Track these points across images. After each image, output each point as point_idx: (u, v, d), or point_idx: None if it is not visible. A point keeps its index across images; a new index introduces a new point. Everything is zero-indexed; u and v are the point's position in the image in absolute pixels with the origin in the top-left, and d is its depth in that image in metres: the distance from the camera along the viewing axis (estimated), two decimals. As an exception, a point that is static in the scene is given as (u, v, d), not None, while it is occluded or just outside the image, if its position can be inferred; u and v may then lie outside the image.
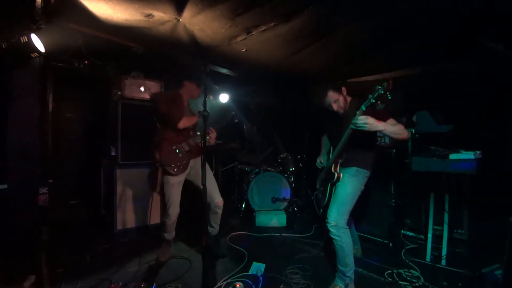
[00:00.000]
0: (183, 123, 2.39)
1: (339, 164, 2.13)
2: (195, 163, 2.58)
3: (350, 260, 2.04)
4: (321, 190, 2.33)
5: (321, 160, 2.42)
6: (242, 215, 3.95)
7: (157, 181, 2.43)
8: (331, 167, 2.14)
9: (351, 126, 1.87)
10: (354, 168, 2.10)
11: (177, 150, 2.46)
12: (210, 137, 2.53)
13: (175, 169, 2.42)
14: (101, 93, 3.56)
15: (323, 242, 2.75)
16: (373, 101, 1.72)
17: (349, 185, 2.07)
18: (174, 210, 2.45)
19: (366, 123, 1.80)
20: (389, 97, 1.67)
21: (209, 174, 2.59)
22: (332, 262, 2.31)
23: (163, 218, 2.51)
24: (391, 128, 1.90)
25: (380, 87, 1.67)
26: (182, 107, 2.52)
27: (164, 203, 2.50)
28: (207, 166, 2.60)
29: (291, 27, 2.42)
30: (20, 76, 2.12)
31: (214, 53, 3.12)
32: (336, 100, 2.13)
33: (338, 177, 2.11)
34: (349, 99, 2.18)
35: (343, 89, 2.17)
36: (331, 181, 2.16)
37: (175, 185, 2.45)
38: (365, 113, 1.82)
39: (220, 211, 2.66)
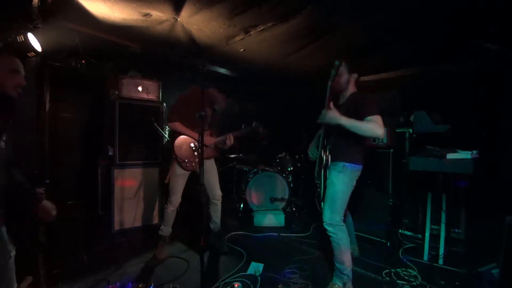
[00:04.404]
0: (174, 126, 2.52)
1: (328, 149, 2.15)
2: (205, 163, 2.60)
3: (347, 257, 2.04)
4: (319, 184, 2.32)
5: (312, 151, 2.47)
6: (240, 215, 3.95)
7: (170, 172, 2.58)
8: (321, 152, 2.16)
9: (321, 119, 1.99)
10: (341, 164, 2.06)
11: (194, 148, 2.59)
12: (228, 142, 2.60)
13: (187, 164, 2.54)
14: (99, 93, 3.54)
15: (318, 241, 2.76)
16: (334, 73, 1.95)
17: (337, 182, 2.05)
18: (177, 198, 2.58)
19: (325, 116, 1.93)
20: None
21: (214, 170, 2.76)
22: (330, 262, 2.31)
23: (165, 206, 2.61)
24: (355, 124, 1.87)
25: (337, 61, 1.92)
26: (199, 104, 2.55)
27: (168, 191, 2.61)
28: (213, 163, 2.78)
29: (289, 27, 2.42)
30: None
31: (212, 53, 3.12)
32: (341, 75, 2.08)
33: (327, 160, 2.12)
34: (352, 89, 2.15)
35: (354, 75, 2.13)
36: (321, 165, 2.17)
37: (181, 176, 2.58)
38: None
39: (219, 204, 2.77)
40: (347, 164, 2.05)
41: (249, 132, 2.71)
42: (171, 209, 2.58)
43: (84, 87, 3.68)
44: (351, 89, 2.15)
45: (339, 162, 2.08)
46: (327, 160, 2.12)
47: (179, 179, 2.57)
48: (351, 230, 2.60)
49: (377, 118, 1.89)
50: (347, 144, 2.05)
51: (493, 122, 2.79)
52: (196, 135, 2.52)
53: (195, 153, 2.57)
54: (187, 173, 2.61)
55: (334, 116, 1.89)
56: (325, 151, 2.14)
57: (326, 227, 2.05)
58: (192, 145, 2.58)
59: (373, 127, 1.85)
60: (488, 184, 2.64)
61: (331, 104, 1.97)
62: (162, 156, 3.43)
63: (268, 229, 3.48)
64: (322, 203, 2.32)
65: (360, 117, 1.90)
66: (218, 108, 2.71)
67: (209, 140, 2.62)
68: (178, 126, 2.52)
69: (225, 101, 2.71)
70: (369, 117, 1.89)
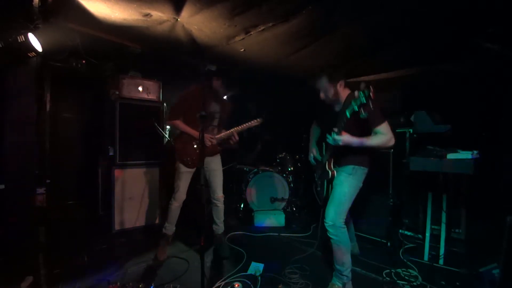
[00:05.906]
0: (175, 124, 2.57)
1: (332, 161, 2.14)
2: (210, 161, 2.70)
3: (347, 259, 2.05)
4: (319, 184, 2.36)
5: (314, 153, 2.44)
6: (240, 215, 3.95)
7: (175, 171, 2.61)
8: (325, 164, 2.15)
9: (329, 140, 1.94)
10: (351, 167, 2.07)
11: (195, 146, 2.57)
12: (233, 141, 2.61)
13: (189, 162, 2.56)
14: (99, 93, 3.55)
15: (318, 241, 2.77)
16: (356, 109, 1.75)
17: (346, 184, 2.05)
18: (181, 194, 2.59)
19: (340, 141, 1.88)
20: (371, 107, 1.71)
21: (219, 170, 2.78)
22: (330, 261, 2.31)
23: (169, 202, 2.62)
24: (369, 142, 1.90)
25: (362, 95, 1.69)
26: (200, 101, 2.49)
27: (173, 187, 2.62)
28: (219, 162, 2.81)
29: (289, 27, 2.42)
30: (17, 75, 2.11)
31: (213, 53, 3.12)
32: (325, 89, 2.06)
33: (333, 175, 2.13)
34: (345, 93, 2.07)
35: (340, 82, 2.05)
36: (326, 178, 2.18)
37: (185, 173, 2.59)
38: (350, 121, 1.84)
39: (220, 205, 2.77)
40: (356, 167, 2.07)
41: (253, 125, 2.66)
42: (176, 205, 2.58)
43: (84, 87, 3.68)
44: (344, 93, 2.08)
45: (348, 165, 2.09)
46: (332, 175, 2.13)
47: (183, 176, 2.58)
48: (350, 228, 2.59)
49: (385, 127, 1.89)
50: (356, 148, 2.01)
51: (493, 122, 2.79)
52: (197, 134, 2.45)
53: (198, 151, 2.55)
54: (191, 171, 2.61)
55: (347, 140, 1.88)
56: (329, 165, 2.13)
57: (328, 228, 2.03)
58: (194, 142, 2.56)
59: (386, 140, 1.88)
60: (488, 184, 2.64)
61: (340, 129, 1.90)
62: (162, 156, 3.43)
63: (268, 229, 3.48)
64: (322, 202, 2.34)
65: (368, 127, 1.92)
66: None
67: (211, 138, 2.57)
68: (178, 124, 2.55)
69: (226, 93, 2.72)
70: (378, 128, 1.89)
